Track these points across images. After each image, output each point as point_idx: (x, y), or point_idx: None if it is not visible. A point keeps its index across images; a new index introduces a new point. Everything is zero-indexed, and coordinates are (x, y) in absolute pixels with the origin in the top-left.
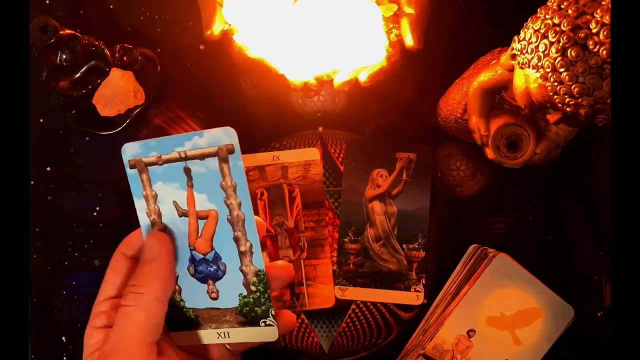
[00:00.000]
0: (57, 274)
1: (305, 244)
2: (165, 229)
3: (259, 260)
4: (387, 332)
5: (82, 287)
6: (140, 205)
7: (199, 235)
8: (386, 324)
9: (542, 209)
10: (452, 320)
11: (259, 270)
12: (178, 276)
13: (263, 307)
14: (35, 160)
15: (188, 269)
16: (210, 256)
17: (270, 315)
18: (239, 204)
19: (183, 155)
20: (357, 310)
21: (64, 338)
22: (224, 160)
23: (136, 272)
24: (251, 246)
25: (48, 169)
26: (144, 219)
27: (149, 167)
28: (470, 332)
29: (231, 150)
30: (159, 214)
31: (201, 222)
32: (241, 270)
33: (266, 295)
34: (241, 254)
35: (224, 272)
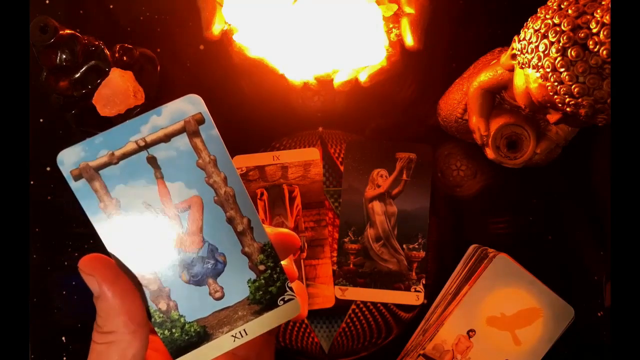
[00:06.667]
0: (57, 274)
1: (306, 244)
2: None
3: (262, 233)
4: (387, 332)
5: (82, 287)
6: (100, 223)
7: (185, 232)
8: (386, 324)
9: (542, 209)
10: (452, 320)
11: (265, 245)
12: (170, 290)
13: (278, 284)
14: (35, 160)
15: (180, 276)
16: (203, 251)
17: (287, 288)
18: (224, 179)
19: (142, 144)
20: (357, 310)
21: (63, 338)
22: (194, 134)
23: (96, 310)
24: (249, 222)
25: (48, 169)
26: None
27: (100, 171)
28: (471, 332)
29: (200, 120)
30: None
31: (184, 216)
32: (244, 254)
33: (278, 269)
34: (240, 235)
35: (224, 264)
